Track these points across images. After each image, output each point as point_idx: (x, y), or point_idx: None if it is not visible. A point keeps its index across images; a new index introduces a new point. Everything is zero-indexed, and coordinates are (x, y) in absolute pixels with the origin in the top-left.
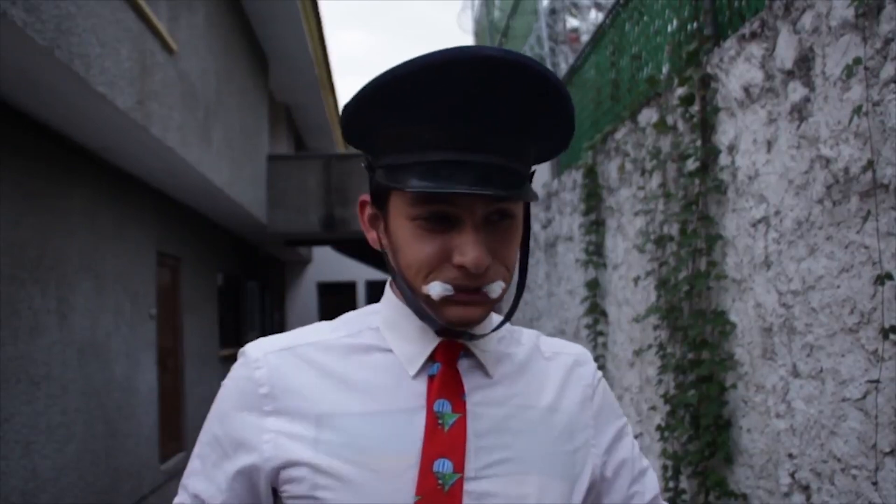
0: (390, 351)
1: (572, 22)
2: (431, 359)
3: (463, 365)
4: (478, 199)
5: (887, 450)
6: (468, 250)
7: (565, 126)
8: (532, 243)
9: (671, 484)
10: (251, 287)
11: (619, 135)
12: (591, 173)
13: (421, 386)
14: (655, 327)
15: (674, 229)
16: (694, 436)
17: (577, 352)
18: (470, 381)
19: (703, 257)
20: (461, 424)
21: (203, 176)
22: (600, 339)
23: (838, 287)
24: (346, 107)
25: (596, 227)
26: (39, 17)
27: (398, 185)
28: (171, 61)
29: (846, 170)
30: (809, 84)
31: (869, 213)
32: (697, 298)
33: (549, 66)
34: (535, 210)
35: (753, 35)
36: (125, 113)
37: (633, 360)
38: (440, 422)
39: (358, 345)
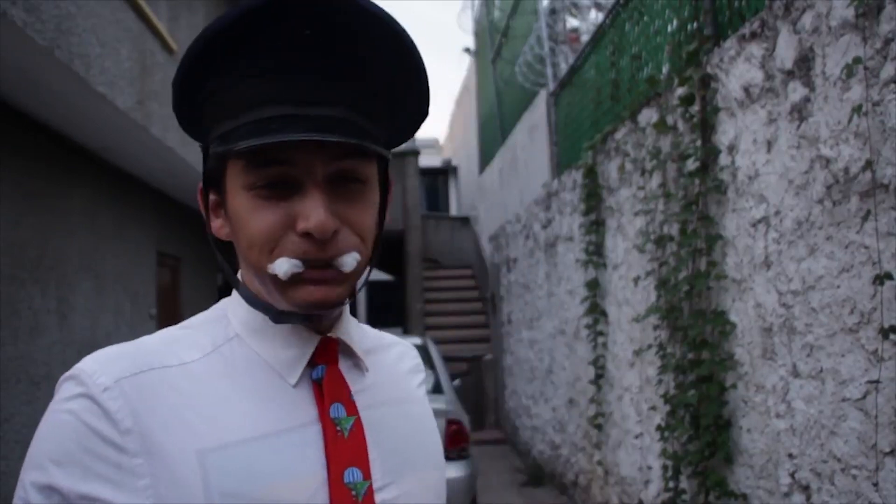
0: (260, 360)
1: (572, 22)
2: (311, 362)
3: (343, 363)
4: (317, 157)
5: (887, 450)
6: (311, 213)
7: (416, 82)
8: (532, 243)
9: (671, 484)
10: None
11: (619, 135)
12: (591, 173)
13: (306, 394)
14: (655, 327)
15: (674, 229)
16: (694, 436)
17: (402, 340)
18: (350, 379)
19: (703, 257)
20: (358, 427)
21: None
22: (600, 339)
23: (838, 287)
24: (175, 78)
25: (596, 227)
26: (39, 17)
27: (225, 146)
28: (171, 61)
29: (846, 170)
30: (809, 84)
31: (869, 213)
32: (697, 298)
33: (548, 66)
34: (536, 210)
35: (753, 35)
36: (125, 113)
37: (633, 360)
38: (339, 428)
39: (224, 360)
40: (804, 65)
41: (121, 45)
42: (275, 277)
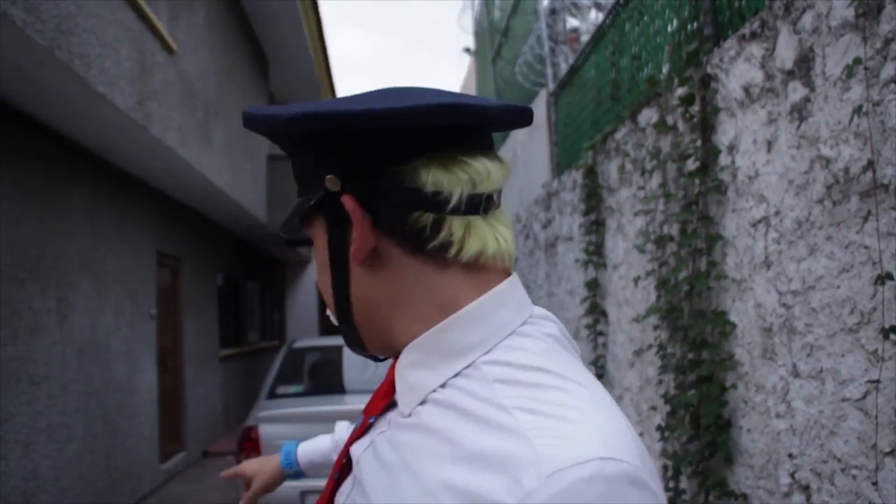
0: None
1: (572, 22)
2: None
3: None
4: None
5: (887, 450)
6: None
7: None
8: (532, 243)
9: (671, 484)
10: (251, 287)
11: (619, 135)
12: (591, 173)
13: None
14: (655, 327)
15: (674, 229)
16: (694, 436)
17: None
18: (393, 410)
19: (703, 257)
20: (347, 443)
21: (203, 176)
22: (600, 339)
23: (838, 287)
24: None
25: (596, 227)
26: (39, 17)
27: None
28: (171, 61)
29: (846, 170)
30: (809, 84)
31: (869, 213)
32: (697, 298)
33: (548, 66)
34: (536, 210)
35: (753, 35)
36: (125, 113)
37: (633, 360)
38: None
39: None
40: (804, 65)
41: (121, 45)
42: None
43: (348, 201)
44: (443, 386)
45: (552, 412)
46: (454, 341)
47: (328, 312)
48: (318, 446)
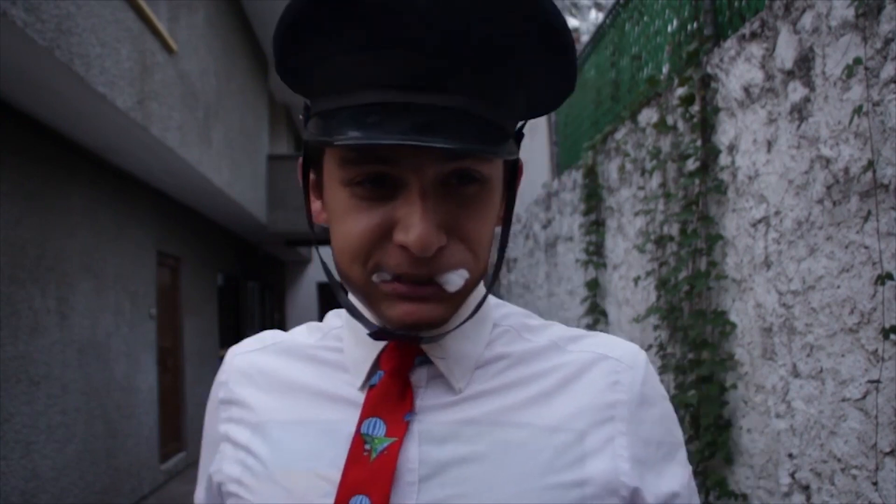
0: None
1: (572, 22)
2: (377, 365)
3: (421, 375)
4: (427, 155)
5: (887, 450)
6: (412, 225)
7: (562, 64)
8: (532, 243)
9: None
10: (251, 287)
11: (619, 135)
12: (591, 173)
13: (361, 399)
14: (655, 327)
15: (674, 229)
16: (694, 436)
17: (620, 351)
18: (427, 396)
19: (703, 257)
20: (392, 453)
21: (203, 176)
22: None
23: (838, 287)
24: (277, 26)
25: (596, 227)
26: (39, 17)
27: (323, 136)
28: (171, 61)
29: (846, 170)
30: (809, 84)
31: (869, 213)
32: (697, 298)
33: None
34: (536, 210)
35: (753, 35)
36: (125, 113)
37: None
38: (367, 447)
39: (319, 347)
40: (804, 65)
41: (121, 45)
42: (366, 289)
43: (520, 164)
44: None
45: (579, 335)
46: (486, 308)
47: (454, 276)
48: None
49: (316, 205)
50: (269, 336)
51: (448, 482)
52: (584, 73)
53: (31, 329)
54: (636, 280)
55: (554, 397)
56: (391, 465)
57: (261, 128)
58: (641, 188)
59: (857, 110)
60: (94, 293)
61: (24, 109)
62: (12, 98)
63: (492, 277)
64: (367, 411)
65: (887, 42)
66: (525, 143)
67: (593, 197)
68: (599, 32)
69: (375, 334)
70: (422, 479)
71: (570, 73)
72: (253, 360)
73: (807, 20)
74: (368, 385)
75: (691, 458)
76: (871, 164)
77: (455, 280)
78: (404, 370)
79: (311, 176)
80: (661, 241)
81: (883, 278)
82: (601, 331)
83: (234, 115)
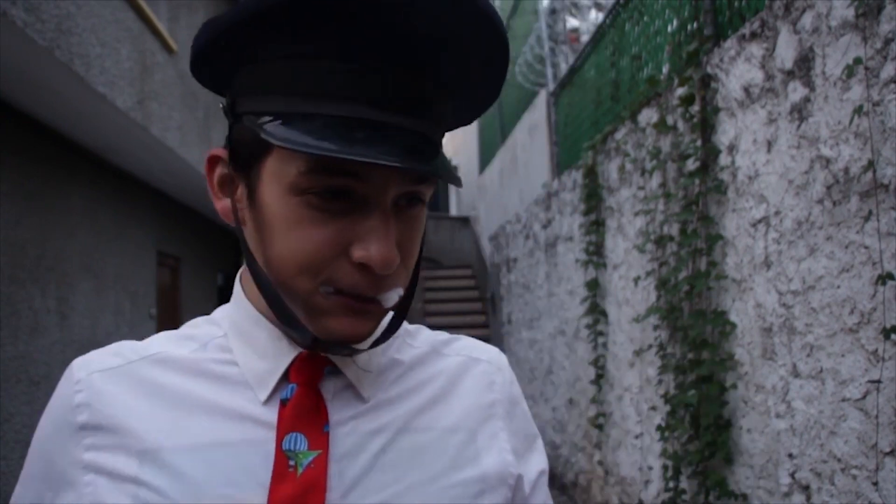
0: (236, 366)
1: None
2: (286, 378)
3: (328, 387)
4: (394, 176)
5: (887, 450)
6: (375, 243)
7: (497, 77)
8: (532, 243)
9: (671, 484)
10: None
11: (619, 135)
12: (591, 173)
13: (272, 414)
14: (655, 327)
15: (674, 229)
16: (694, 436)
17: (488, 355)
18: (338, 407)
19: (703, 257)
20: (320, 465)
21: (203, 176)
22: (600, 339)
23: (838, 287)
24: (216, 19)
25: (596, 227)
26: (39, 17)
27: (291, 143)
28: (171, 61)
29: (846, 170)
30: (809, 84)
31: (870, 213)
32: (697, 298)
33: (548, 66)
34: (536, 210)
35: (753, 35)
36: (125, 113)
37: (633, 360)
38: (291, 463)
39: (203, 360)
40: (804, 65)
41: (121, 45)
42: (309, 301)
43: None
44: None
45: (448, 338)
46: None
47: (392, 294)
48: None
49: (223, 202)
50: (128, 347)
51: (369, 492)
52: (584, 73)
53: (31, 329)
54: (636, 280)
55: (446, 400)
56: (321, 478)
57: None
58: (641, 188)
59: (858, 110)
60: (94, 293)
61: (24, 109)
62: (12, 98)
63: (408, 294)
64: (286, 426)
65: (887, 42)
66: (525, 143)
67: (593, 197)
68: (599, 32)
69: (311, 345)
70: (344, 493)
71: (499, 85)
72: (122, 376)
73: (807, 20)
74: (279, 399)
75: (691, 458)
76: (871, 165)
77: (392, 297)
78: (315, 382)
79: (223, 170)
80: (661, 241)
81: (883, 278)
82: (601, 331)
83: None
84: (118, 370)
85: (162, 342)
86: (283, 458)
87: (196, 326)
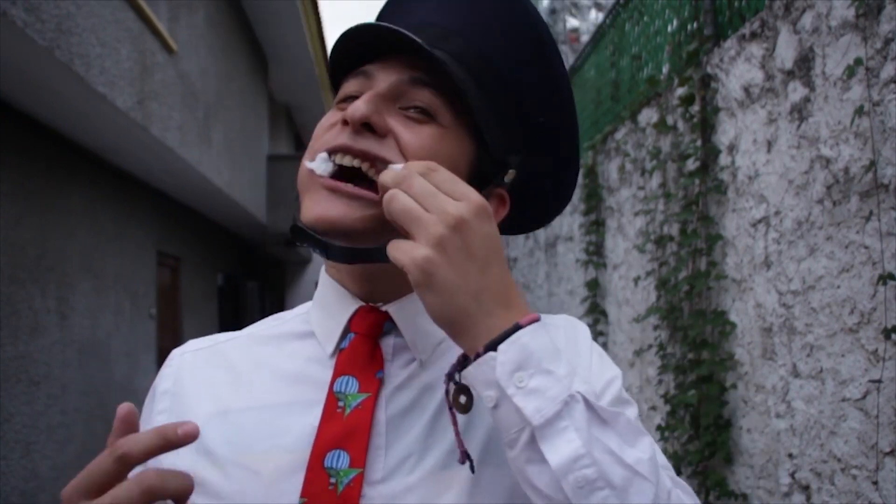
0: (312, 334)
1: (572, 22)
2: (347, 329)
3: (387, 345)
4: (392, 69)
5: (887, 450)
6: (355, 102)
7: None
8: (532, 243)
9: None
10: (251, 287)
11: (619, 135)
12: (591, 173)
13: (326, 375)
14: (655, 327)
15: (674, 229)
16: (694, 436)
17: (558, 321)
18: (393, 367)
19: (703, 257)
20: (367, 407)
21: (203, 176)
22: (600, 339)
23: (838, 287)
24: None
25: (596, 227)
26: (39, 17)
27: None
28: (171, 61)
29: (846, 170)
30: (809, 84)
31: (871, 213)
32: (697, 298)
33: None
34: None
35: (753, 35)
36: (125, 113)
37: (633, 360)
38: (340, 404)
39: (279, 334)
40: (804, 65)
41: (121, 45)
42: (305, 182)
43: None
44: None
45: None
46: None
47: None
48: None
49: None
50: (224, 334)
51: (413, 442)
52: (584, 73)
53: (31, 329)
54: (636, 280)
55: None
56: (367, 419)
57: (261, 128)
58: (641, 188)
59: (858, 110)
60: (94, 293)
61: (24, 109)
62: (12, 98)
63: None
64: (340, 370)
65: (887, 42)
66: None
67: (593, 197)
68: (599, 32)
69: (293, 228)
70: (388, 444)
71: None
72: (209, 354)
73: (807, 20)
74: (338, 349)
75: (691, 457)
76: (872, 165)
77: (390, 170)
78: (373, 333)
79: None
80: (661, 241)
81: (884, 278)
82: (601, 331)
83: (234, 115)
84: (206, 350)
85: (254, 325)
86: (333, 400)
87: (292, 311)
